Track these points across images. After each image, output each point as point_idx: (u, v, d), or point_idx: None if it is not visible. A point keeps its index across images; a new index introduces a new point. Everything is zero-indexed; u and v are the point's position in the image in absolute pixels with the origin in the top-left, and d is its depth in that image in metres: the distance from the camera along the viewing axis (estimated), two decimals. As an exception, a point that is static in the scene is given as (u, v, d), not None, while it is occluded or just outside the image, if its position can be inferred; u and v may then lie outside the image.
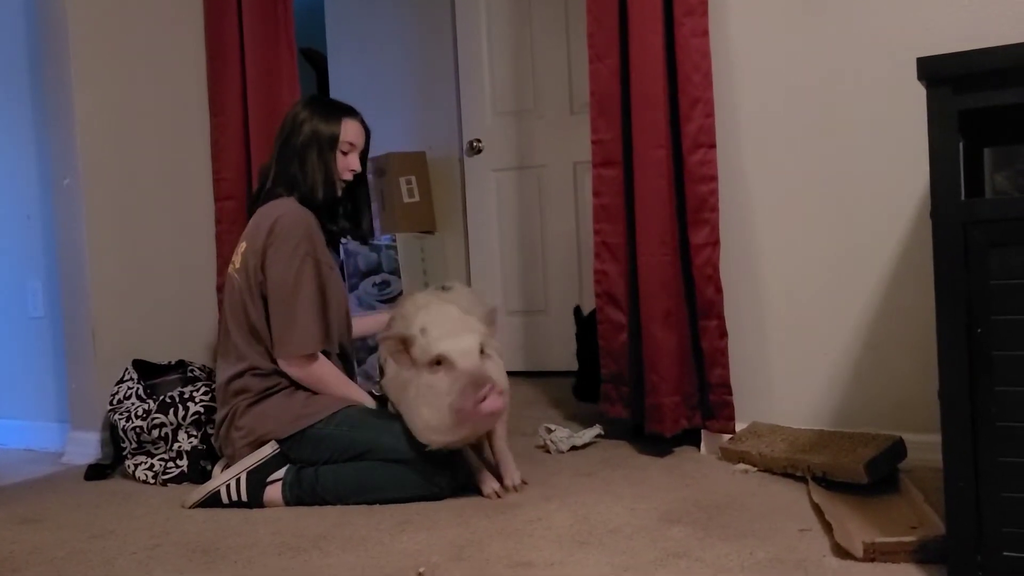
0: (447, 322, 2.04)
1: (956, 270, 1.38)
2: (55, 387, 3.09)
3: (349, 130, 2.44)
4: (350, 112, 2.47)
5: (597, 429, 2.64)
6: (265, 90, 3.05)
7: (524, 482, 2.20)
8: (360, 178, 2.53)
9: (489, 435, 2.22)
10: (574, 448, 2.56)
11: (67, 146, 2.89)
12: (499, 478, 2.19)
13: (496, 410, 1.94)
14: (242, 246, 2.40)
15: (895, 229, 2.27)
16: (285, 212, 2.33)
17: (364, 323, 2.67)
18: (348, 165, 2.45)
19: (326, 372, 2.32)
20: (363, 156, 2.52)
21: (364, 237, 2.70)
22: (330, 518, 2.05)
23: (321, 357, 2.32)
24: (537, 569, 1.63)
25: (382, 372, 2.23)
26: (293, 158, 2.40)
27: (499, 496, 2.11)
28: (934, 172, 1.40)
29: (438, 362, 1.98)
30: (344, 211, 2.52)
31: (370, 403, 2.34)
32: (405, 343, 2.04)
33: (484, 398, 1.90)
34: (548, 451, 2.55)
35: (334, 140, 2.40)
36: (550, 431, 2.60)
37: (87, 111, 2.88)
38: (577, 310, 3.10)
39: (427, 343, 2.00)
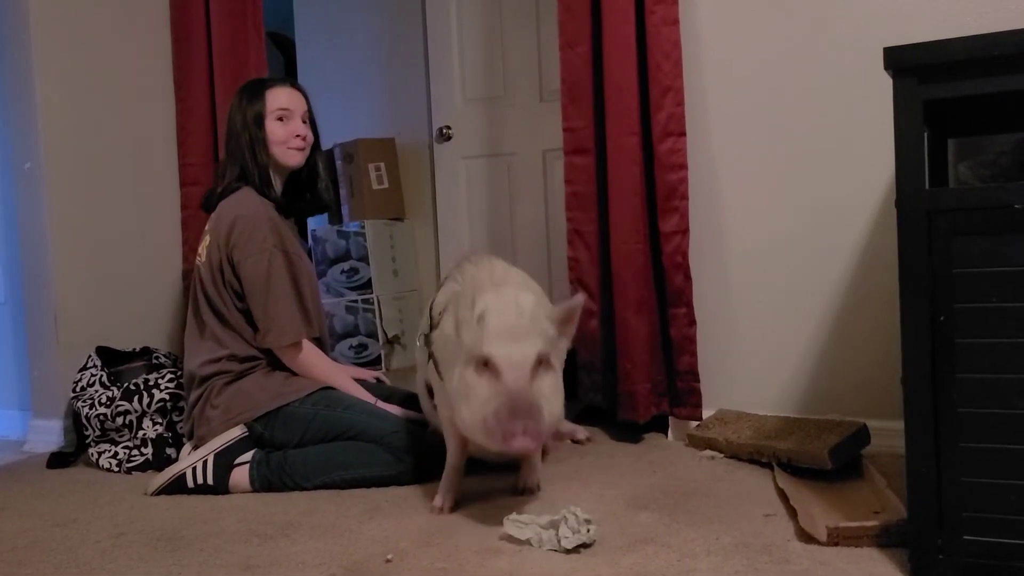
0: (511, 316, 1.71)
1: (920, 258, 1.39)
2: (16, 374, 3.05)
3: (277, 97, 2.39)
4: (275, 81, 2.45)
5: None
6: (232, 75, 3.01)
7: (538, 487, 2.04)
8: (312, 147, 2.49)
9: None
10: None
11: (28, 130, 2.83)
12: (518, 474, 2.06)
13: (524, 450, 1.67)
14: (206, 239, 2.40)
15: (861, 218, 2.29)
16: (244, 208, 2.33)
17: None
18: (293, 131, 2.39)
19: (313, 362, 2.33)
20: (312, 124, 2.48)
21: (327, 207, 2.67)
22: (298, 505, 2.04)
23: (308, 347, 2.33)
24: (505, 555, 1.63)
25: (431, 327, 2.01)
26: (237, 148, 2.39)
27: (441, 512, 1.92)
28: (899, 161, 1.42)
29: (485, 363, 1.67)
30: (301, 185, 2.51)
31: (360, 392, 2.33)
32: (456, 321, 1.76)
33: (516, 434, 1.59)
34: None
35: (260, 115, 2.37)
36: None
37: (48, 94, 2.83)
38: None
39: (480, 335, 1.69)
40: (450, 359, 1.82)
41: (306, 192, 2.52)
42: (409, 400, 2.37)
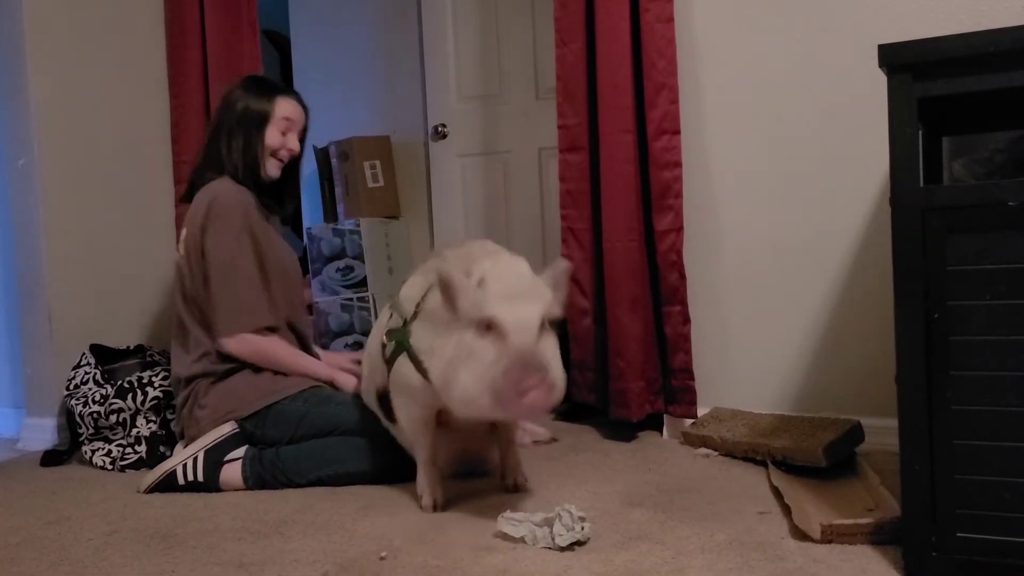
0: (511, 279, 1.71)
1: (914, 256, 1.39)
2: (10, 372, 3.04)
3: (284, 107, 2.39)
4: (285, 90, 2.44)
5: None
6: (226, 72, 3.00)
7: (525, 479, 2.04)
8: (294, 160, 2.49)
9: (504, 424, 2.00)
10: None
11: (22, 126, 2.82)
12: (503, 473, 2.05)
13: (541, 407, 1.63)
14: (183, 232, 2.38)
15: (856, 216, 2.30)
16: (219, 193, 2.31)
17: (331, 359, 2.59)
18: (286, 144, 2.39)
19: (271, 346, 2.29)
20: (302, 138, 2.48)
21: (286, 219, 2.64)
22: (292, 503, 2.03)
23: (266, 333, 2.29)
24: (499, 553, 1.63)
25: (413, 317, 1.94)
26: (221, 138, 2.37)
27: (435, 510, 1.90)
28: (894, 159, 1.42)
29: (488, 326, 1.64)
30: (281, 192, 2.49)
31: (324, 372, 2.32)
32: (451, 289, 1.70)
33: (530, 389, 1.56)
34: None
35: (264, 117, 2.36)
36: None
37: (43, 90, 2.82)
38: None
39: (481, 299, 1.66)
40: (438, 341, 1.76)
41: (270, 199, 2.46)
42: None
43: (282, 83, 2.47)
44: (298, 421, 2.21)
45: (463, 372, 1.66)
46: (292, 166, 2.51)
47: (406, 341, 1.88)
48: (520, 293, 1.68)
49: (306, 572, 1.58)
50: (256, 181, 2.38)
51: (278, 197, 2.49)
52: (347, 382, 2.34)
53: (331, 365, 2.41)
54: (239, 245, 2.26)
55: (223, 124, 2.38)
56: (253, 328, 2.27)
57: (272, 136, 2.38)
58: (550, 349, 1.70)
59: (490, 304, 1.65)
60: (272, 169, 2.41)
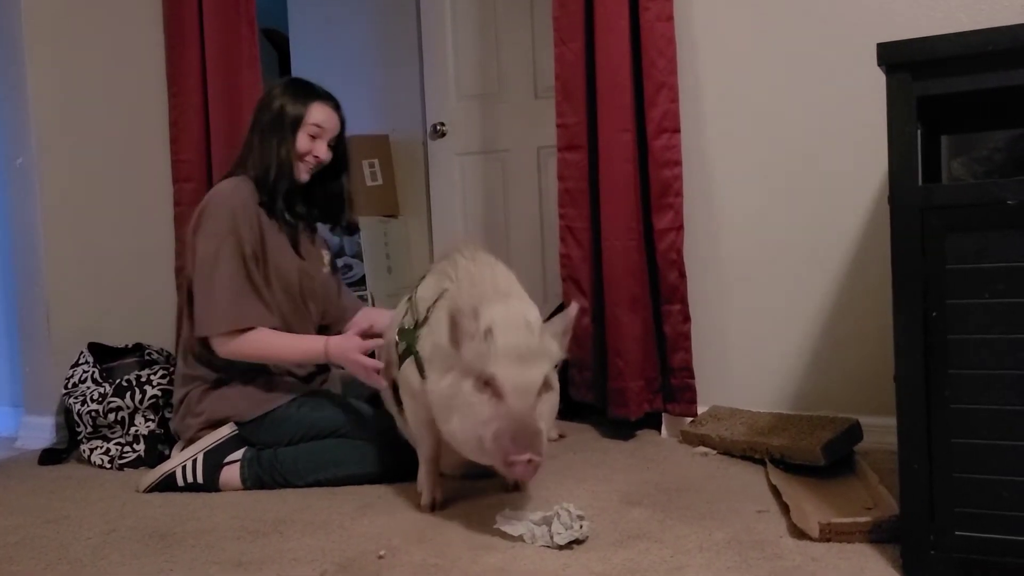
0: (519, 334, 1.64)
1: (913, 255, 1.40)
2: (9, 370, 3.03)
3: (317, 112, 2.32)
4: (324, 96, 2.37)
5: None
6: (225, 70, 3.00)
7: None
8: (338, 168, 2.42)
9: None
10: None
11: (20, 124, 2.82)
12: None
13: (523, 479, 1.62)
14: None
15: (855, 215, 2.30)
16: (216, 192, 2.28)
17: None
18: (313, 149, 2.32)
19: (263, 340, 2.20)
20: (338, 148, 2.39)
21: (350, 228, 2.56)
22: (290, 502, 2.03)
23: (254, 329, 2.20)
24: (498, 552, 1.63)
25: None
26: (254, 137, 2.33)
27: (433, 509, 1.91)
28: (892, 157, 1.42)
29: (488, 382, 1.61)
30: (315, 199, 2.43)
31: (318, 346, 2.19)
32: (458, 331, 1.67)
33: (516, 463, 1.55)
34: None
35: (297, 121, 2.30)
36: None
37: (40, 88, 2.81)
38: None
39: (486, 352, 1.62)
40: (438, 362, 1.76)
41: (316, 207, 2.43)
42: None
43: (323, 89, 2.40)
44: (295, 426, 2.20)
45: (456, 418, 1.66)
46: (334, 175, 2.42)
47: (413, 346, 1.87)
48: (526, 352, 1.63)
49: (305, 571, 1.59)
50: (289, 184, 2.32)
51: (326, 204, 2.44)
52: (338, 347, 2.17)
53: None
54: (222, 247, 2.20)
55: (258, 123, 2.34)
56: (228, 330, 2.19)
57: (301, 140, 2.31)
58: (547, 408, 1.67)
59: (494, 362, 1.61)
60: (301, 172, 2.34)
